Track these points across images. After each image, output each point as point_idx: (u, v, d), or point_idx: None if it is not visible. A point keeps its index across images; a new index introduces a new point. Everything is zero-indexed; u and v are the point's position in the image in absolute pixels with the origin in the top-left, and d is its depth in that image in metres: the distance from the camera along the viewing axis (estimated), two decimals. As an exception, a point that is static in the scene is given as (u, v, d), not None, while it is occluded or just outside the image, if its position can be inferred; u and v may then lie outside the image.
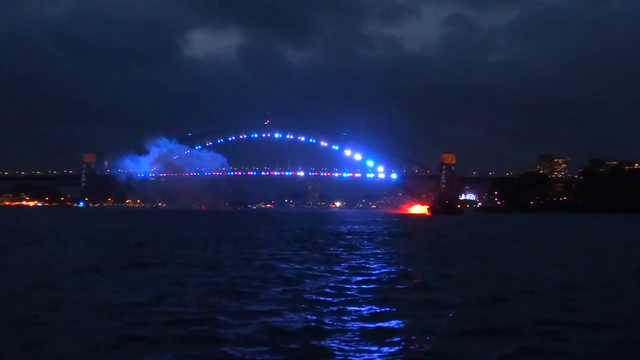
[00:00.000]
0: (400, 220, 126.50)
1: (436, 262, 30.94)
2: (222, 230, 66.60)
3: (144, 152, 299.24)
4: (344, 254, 35.41)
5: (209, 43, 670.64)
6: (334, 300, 18.55)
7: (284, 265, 28.03)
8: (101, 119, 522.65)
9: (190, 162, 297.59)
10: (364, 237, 56.28)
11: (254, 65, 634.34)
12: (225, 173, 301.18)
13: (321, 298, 19.01)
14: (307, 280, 23.09)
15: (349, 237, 56.10)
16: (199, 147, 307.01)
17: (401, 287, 21.87)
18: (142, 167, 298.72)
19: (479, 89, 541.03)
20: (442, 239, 55.17)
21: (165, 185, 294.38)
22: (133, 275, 24.03)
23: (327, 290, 20.66)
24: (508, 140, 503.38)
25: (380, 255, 34.42)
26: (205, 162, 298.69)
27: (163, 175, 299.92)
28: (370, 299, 19.06)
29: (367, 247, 41.44)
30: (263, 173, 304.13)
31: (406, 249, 41.01)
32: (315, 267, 27.67)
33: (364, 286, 21.69)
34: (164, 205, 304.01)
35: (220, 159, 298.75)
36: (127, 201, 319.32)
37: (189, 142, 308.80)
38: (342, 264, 29.32)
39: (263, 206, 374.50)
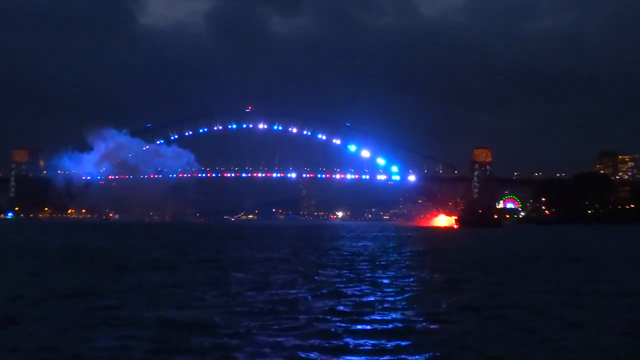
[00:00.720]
0: (418, 236, 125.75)
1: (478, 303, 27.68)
2: (179, 249, 63.96)
3: (88, 148, 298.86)
4: (340, 284, 34.19)
5: (171, 8, 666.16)
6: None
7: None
8: (35, 106, 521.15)
9: (148, 161, 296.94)
10: (367, 257, 55.52)
11: (229, 37, 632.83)
12: (195, 174, 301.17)
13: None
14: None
15: (350, 257, 55.10)
16: (162, 141, 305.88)
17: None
18: (88, 167, 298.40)
19: (517, 67, 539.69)
20: (475, 260, 53.47)
21: (117, 191, 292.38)
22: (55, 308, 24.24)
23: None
24: (559, 133, 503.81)
25: (388, 289, 32.59)
26: (167, 161, 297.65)
27: (115, 178, 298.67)
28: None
29: (373, 273, 40.75)
30: (244, 175, 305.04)
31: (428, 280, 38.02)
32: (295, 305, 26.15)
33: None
34: (117, 216, 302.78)
35: (186, 155, 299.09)
36: (69, 211, 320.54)
37: (148, 136, 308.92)
38: (335, 300, 27.68)
39: (244, 217, 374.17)
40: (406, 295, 29.53)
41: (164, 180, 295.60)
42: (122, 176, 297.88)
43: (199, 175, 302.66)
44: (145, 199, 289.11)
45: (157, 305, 25.79)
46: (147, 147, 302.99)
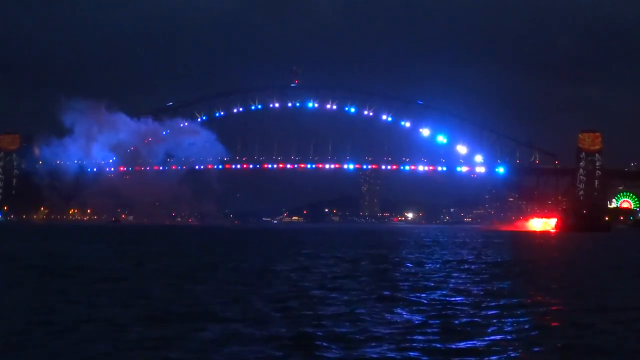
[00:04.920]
0: (509, 244, 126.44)
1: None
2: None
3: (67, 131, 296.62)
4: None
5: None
6: None
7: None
8: (27, 81, 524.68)
9: (167, 149, 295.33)
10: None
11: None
12: (228, 166, 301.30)
13: None
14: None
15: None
16: (186, 123, 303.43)
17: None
18: (99, 157, 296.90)
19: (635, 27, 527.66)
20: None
21: (129, 187, 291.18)
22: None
23: None
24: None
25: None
26: (193, 149, 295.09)
27: (129, 171, 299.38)
28: None
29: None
30: (289, 166, 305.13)
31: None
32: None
33: None
34: (130, 217, 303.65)
35: (217, 142, 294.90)
36: (71, 212, 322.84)
37: (168, 117, 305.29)
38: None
39: (287, 219, 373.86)
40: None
41: (188, 173, 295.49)
42: (137, 168, 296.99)
43: (233, 166, 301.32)
44: (164, 196, 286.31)
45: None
46: (168, 131, 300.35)
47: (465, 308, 35.11)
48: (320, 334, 26.80)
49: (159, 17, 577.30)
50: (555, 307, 36.53)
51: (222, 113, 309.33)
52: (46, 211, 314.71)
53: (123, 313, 31.39)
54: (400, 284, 46.00)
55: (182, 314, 31.06)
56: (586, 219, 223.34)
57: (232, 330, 27.32)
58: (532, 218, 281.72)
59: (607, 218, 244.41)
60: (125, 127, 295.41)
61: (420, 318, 31.34)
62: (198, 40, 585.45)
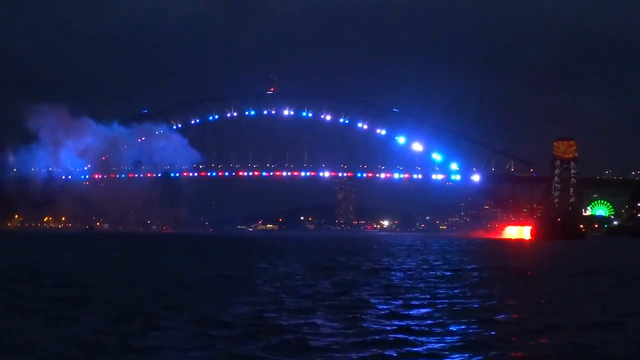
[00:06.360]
0: (482, 250, 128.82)
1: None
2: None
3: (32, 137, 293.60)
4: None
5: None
6: None
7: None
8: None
9: (143, 157, 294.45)
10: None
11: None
12: (204, 173, 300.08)
13: None
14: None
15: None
16: (161, 130, 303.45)
17: None
18: (68, 163, 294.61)
19: (610, 34, 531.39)
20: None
21: (105, 194, 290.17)
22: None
23: None
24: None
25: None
26: (168, 156, 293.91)
27: (104, 178, 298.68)
28: None
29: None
30: (264, 174, 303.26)
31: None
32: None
33: None
34: (106, 225, 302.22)
35: (192, 149, 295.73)
36: (45, 219, 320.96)
37: (143, 124, 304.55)
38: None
39: (262, 227, 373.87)
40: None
41: (163, 180, 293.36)
42: (112, 175, 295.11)
43: (208, 174, 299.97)
44: (135, 203, 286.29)
45: None
46: (143, 138, 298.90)
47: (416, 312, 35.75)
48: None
49: (134, 23, 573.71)
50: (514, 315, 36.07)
51: (197, 120, 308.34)
52: (20, 219, 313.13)
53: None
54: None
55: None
56: (561, 227, 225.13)
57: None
58: (508, 226, 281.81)
59: (581, 226, 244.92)
60: (93, 133, 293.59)
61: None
62: (173, 47, 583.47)
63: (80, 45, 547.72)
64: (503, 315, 34.31)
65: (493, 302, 40.91)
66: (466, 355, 24.62)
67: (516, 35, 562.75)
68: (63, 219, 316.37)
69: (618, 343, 27.59)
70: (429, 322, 32.61)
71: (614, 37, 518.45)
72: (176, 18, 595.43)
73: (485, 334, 29.57)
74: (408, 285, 52.12)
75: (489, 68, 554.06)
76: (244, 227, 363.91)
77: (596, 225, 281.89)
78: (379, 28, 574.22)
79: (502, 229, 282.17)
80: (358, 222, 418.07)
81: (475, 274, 65.73)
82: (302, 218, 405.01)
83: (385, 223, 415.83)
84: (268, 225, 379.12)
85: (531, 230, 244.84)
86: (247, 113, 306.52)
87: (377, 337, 27.99)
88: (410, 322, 32.23)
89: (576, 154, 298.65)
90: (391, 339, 28.42)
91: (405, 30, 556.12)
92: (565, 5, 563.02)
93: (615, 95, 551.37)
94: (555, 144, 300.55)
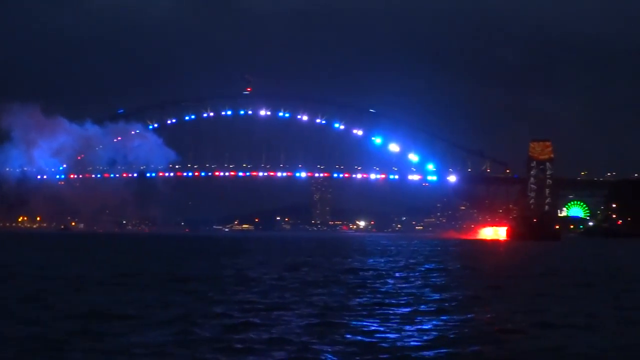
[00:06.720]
0: (460, 252, 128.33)
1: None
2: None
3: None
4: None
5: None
6: None
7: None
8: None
9: (119, 157, 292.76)
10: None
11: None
12: (179, 173, 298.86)
13: None
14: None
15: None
16: (137, 130, 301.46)
17: None
18: (42, 162, 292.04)
19: (585, 37, 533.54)
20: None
21: (80, 194, 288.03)
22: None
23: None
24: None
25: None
26: (144, 156, 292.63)
27: (79, 178, 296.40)
28: None
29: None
30: (240, 174, 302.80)
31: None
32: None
33: None
34: (81, 225, 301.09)
35: (168, 149, 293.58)
36: (20, 219, 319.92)
37: (119, 124, 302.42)
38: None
39: (238, 227, 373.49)
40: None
41: (139, 180, 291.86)
42: (87, 175, 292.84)
43: (184, 174, 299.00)
44: (110, 202, 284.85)
45: None
46: (119, 138, 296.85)
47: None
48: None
49: (110, 23, 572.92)
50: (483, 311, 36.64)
51: (173, 120, 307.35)
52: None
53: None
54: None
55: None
56: (536, 227, 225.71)
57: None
58: (483, 226, 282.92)
59: (557, 227, 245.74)
60: (66, 132, 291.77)
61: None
62: (149, 47, 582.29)
63: (55, 45, 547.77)
64: (471, 315, 34.24)
65: (455, 303, 41.20)
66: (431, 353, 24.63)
67: (492, 38, 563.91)
68: (38, 218, 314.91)
69: (582, 342, 27.84)
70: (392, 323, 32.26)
71: (590, 40, 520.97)
72: (152, 18, 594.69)
73: (450, 333, 29.44)
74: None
75: (466, 70, 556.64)
76: (220, 227, 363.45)
77: (572, 226, 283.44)
78: (355, 29, 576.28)
79: (478, 230, 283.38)
80: (334, 223, 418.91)
81: (439, 274, 66.31)
82: (278, 218, 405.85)
83: (362, 223, 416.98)
84: (244, 226, 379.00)
85: (507, 230, 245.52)
86: (223, 113, 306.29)
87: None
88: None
89: (552, 155, 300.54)
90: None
91: (382, 32, 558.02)
92: (541, 9, 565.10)
93: (591, 97, 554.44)
94: (531, 144, 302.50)
